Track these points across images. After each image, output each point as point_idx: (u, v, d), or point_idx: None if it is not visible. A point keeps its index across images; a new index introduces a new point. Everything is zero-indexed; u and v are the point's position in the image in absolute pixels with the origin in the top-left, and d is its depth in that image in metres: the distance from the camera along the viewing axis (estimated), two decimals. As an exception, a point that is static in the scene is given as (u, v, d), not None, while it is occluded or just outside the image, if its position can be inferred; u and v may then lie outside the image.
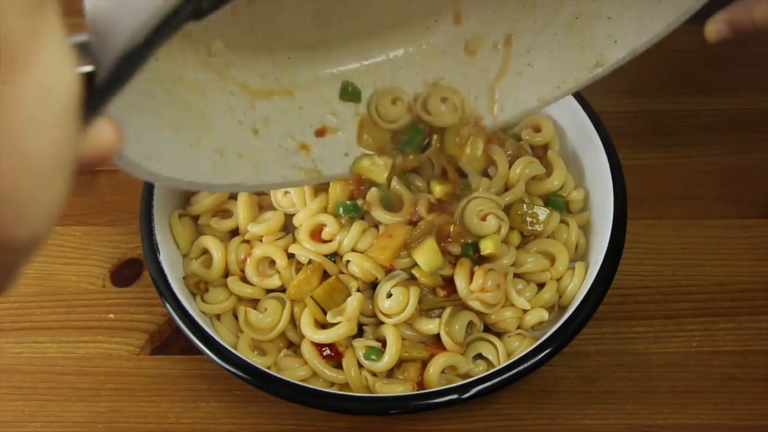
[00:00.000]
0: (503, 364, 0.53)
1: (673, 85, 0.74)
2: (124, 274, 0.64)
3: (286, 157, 0.49)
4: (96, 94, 0.27)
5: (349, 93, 0.51)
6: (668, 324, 0.61)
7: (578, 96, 0.63)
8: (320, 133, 0.50)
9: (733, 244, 0.65)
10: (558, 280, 0.59)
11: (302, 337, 0.56)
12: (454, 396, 0.51)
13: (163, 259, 0.57)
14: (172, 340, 0.61)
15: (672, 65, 0.75)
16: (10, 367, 0.60)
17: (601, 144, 0.61)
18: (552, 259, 0.59)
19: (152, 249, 0.57)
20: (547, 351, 0.52)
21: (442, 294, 0.56)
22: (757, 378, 0.59)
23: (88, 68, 0.28)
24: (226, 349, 0.53)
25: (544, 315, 0.57)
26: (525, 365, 0.52)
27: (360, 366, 0.55)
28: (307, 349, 0.55)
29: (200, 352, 0.53)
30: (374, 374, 0.55)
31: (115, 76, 0.28)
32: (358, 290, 0.56)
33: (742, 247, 0.65)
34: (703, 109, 0.72)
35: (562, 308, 0.58)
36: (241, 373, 0.52)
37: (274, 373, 0.53)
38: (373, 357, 0.55)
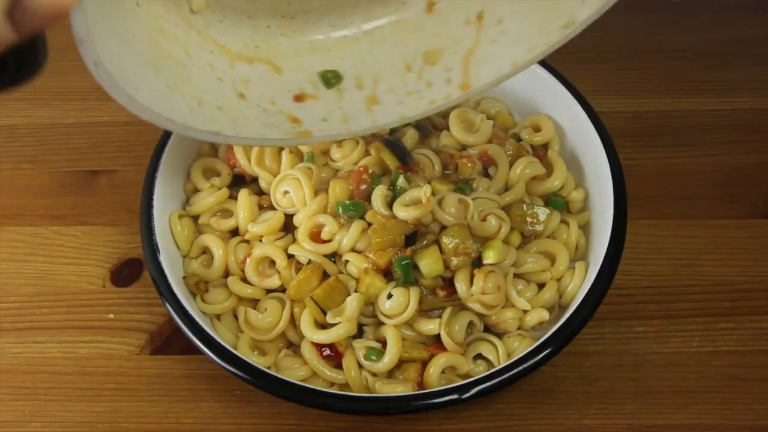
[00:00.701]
0: (503, 364, 0.53)
1: (673, 85, 0.74)
2: (124, 274, 0.64)
3: (265, 117, 0.49)
4: None
5: (331, 79, 0.51)
6: (668, 324, 0.61)
7: (578, 96, 0.63)
8: (299, 99, 0.50)
9: (733, 244, 0.65)
10: (558, 280, 0.59)
11: (302, 337, 0.56)
12: (454, 396, 0.51)
13: (163, 259, 0.57)
14: (172, 340, 0.61)
15: (672, 65, 0.75)
16: (10, 367, 0.60)
17: (601, 144, 0.61)
18: (552, 259, 0.59)
19: (152, 249, 0.57)
20: (547, 351, 0.52)
21: (441, 294, 0.56)
22: (757, 378, 0.58)
23: None
24: (226, 349, 0.53)
25: (545, 315, 0.57)
26: (525, 365, 0.52)
27: (360, 366, 0.55)
28: (307, 349, 0.55)
29: (200, 352, 0.53)
30: (374, 374, 0.55)
31: None
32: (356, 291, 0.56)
33: (742, 247, 0.65)
34: (703, 109, 0.73)
35: (563, 308, 0.58)
36: (241, 373, 0.52)
37: (274, 373, 0.53)
38: (373, 357, 0.54)
